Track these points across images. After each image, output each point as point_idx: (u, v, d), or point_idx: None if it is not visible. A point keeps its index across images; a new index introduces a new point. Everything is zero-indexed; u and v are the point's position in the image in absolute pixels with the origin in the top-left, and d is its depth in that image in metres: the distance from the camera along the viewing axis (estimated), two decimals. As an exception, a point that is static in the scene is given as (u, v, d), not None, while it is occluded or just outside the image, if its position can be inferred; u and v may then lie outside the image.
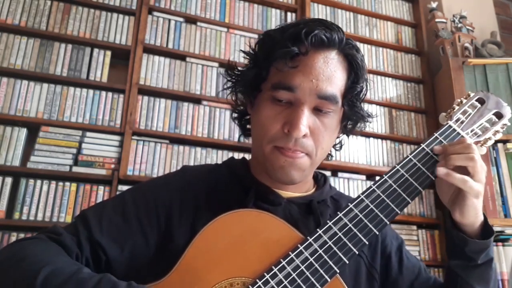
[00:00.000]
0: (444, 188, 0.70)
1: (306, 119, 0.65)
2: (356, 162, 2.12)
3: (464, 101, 0.77)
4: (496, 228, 1.93)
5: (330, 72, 0.67)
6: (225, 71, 0.78)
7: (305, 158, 0.68)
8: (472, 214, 0.66)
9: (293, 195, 0.75)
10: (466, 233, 0.68)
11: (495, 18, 2.63)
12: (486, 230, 0.69)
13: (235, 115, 0.81)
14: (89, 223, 0.67)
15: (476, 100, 0.76)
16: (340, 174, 2.10)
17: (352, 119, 0.75)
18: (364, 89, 0.73)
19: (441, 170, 0.65)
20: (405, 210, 2.13)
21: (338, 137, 0.79)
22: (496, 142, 2.05)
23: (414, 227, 2.10)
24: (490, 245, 0.68)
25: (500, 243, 1.90)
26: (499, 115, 0.75)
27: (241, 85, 0.75)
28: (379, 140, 2.21)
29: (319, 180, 0.83)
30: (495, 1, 2.68)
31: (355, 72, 0.70)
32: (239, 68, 0.77)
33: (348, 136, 0.81)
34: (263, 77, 0.70)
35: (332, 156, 0.82)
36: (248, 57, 0.75)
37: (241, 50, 0.80)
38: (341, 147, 0.84)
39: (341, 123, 0.74)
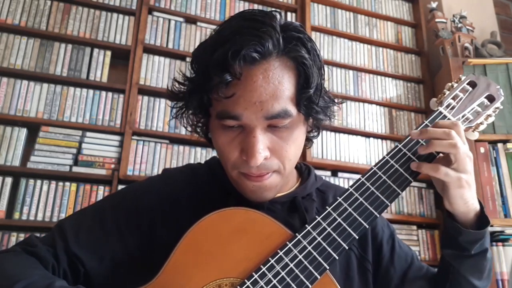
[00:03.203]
0: (434, 178, 0.68)
1: (261, 143, 0.60)
2: (356, 162, 2.12)
3: (455, 85, 0.73)
4: (496, 228, 1.93)
5: (274, 86, 0.59)
6: (169, 97, 0.71)
7: (274, 175, 0.65)
8: (460, 204, 0.64)
9: (274, 196, 0.71)
10: (460, 223, 0.66)
11: (495, 18, 2.63)
12: (481, 220, 0.67)
13: (198, 132, 0.75)
14: (65, 234, 0.66)
15: (468, 84, 0.73)
16: (340, 174, 2.09)
17: (315, 118, 0.68)
18: (319, 87, 0.64)
19: (412, 165, 0.64)
20: (405, 210, 2.13)
21: (309, 133, 0.73)
22: (496, 142, 2.05)
23: (414, 227, 2.10)
24: (485, 235, 0.66)
25: (500, 243, 1.90)
26: (491, 98, 0.72)
27: (189, 111, 0.69)
28: (379, 140, 2.21)
29: (303, 173, 0.78)
30: (495, 1, 2.68)
31: (305, 73, 0.61)
32: (182, 89, 0.69)
33: (320, 131, 0.74)
34: (207, 103, 0.63)
35: (312, 142, 0.77)
36: (184, 84, 0.68)
37: (174, 79, 0.70)
38: (318, 134, 0.76)
39: (305, 123, 0.67)
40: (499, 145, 2.05)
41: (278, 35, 0.60)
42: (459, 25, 2.34)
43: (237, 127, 0.62)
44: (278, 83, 0.60)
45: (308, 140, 0.75)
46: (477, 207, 0.66)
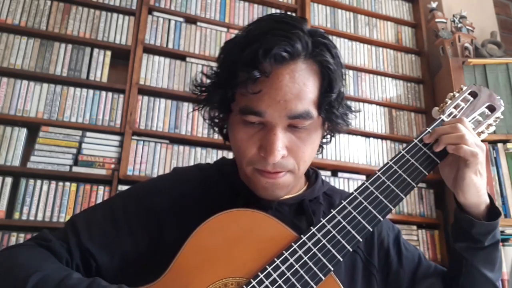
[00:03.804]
0: (446, 172, 0.71)
1: (280, 142, 0.62)
2: (356, 162, 2.12)
3: (457, 94, 0.76)
4: (496, 228, 1.93)
5: (299, 87, 0.61)
6: (192, 89, 0.72)
7: (287, 175, 0.66)
8: (474, 193, 0.66)
9: (283, 197, 0.72)
10: (473, 215, 0.68)
11: (495, 18, 2.63)
12: (492, 211, 0.68)
13: (215, 129, 0.77)
14: (78, 229, 0.67)
15: (469, 94, 0.76)
16: (340, 174, 2.10)
17: (333, 122, 0.70)
18: (341, 93, 0.67)
19: (435, 147, 0.67)
20: (405, 210, 2.13)
21: (323, 138, 0.75)
22: (496, 142, 2.05)
23: (414, 227, 2.10)
24: (497, 226, 0.68)
25: (500, 243, 1.89)
26: (491, 108, 0.75)
27: (210, 105, 0.71)
28: (379, 140, 2.21)
29: (311, 177, 0.80)
30: (495, 1, 2.68)
31: (329, 77, 0.64)
32: (207, 83, 0.71)
33: (334, 136, 0.77)
34: (230, 98, 0.65)
35: (323, 148, 0.79)
36: (210, 79, 0.70)
37: (202, 72, 0.73)
38: (330, 140, 0.79)
39: (322, 127, 0.70)
40: (499, 145, 2.05)
41: (307, 38, 0.62)
42: (459, 25, 2.34)
43: (257, 124, 0.64)
44: (303, 84, 0.62)
45: (320, 146, 0.76)
46: (487, 199, 0.69)
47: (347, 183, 2.08)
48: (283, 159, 0.64)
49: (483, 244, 0.68)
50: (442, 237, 2.11)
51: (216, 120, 0.74)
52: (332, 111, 0.66)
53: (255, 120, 0.63)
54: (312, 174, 0.81)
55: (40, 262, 0.59)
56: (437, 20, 2.38)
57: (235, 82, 0.62)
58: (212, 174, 0.77)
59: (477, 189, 0.66)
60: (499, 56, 2.26)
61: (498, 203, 1.98)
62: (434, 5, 2.45)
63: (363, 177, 2.13)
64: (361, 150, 2.16)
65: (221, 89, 0.65)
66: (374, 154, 2.18)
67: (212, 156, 1.91)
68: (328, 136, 0.76)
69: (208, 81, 0.70)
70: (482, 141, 0.72)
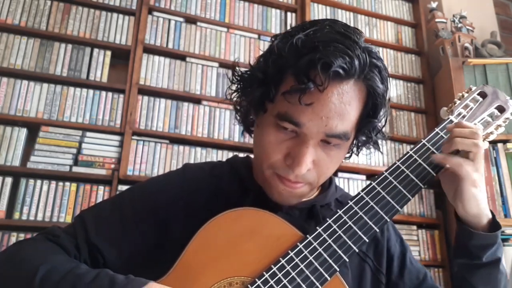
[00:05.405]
0: (447, 184, 0.69)
1: (310, 156, 0.61)
2: (356, 162, 2.12)
3: (466, 95, 0.75)
4: (496, 228, 1.92)
5: (344, 107, 0.60)
6: (232, 75, 0.70)
7: (306, 186, 0.66)
8: (473, 205, 0.64)
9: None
10: (472, 227, 0.66)
11: (495, 18, 2.63)
12: (493, 226, 0.67)
13: (238, 117, 0.75)
14: (86, 225, 0.67)
15: (478, 94, 0.74)
16: (340, 174, 2.09)
17: (365, 145, 0.71)
18: (383, 120, 0.67)
19: (436, 157, 0.65)
20: (405, 210, 2.13)
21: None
22: (496, 142, 2.05)
23: (414, 227, 2.10)
24: (496, 241, 0.66)
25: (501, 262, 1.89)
26: (501, 109, 0.73)
27: (247, 101, 0.70)
28: (379, 140, 2.21)
29: (324, 182, 0.79)
30: (495, 1, 2.68)
31: (374, 102, 0.63)
32: (245, 75, 0.69)
33: (357, 154, 0.75)
34: (270, 98, 0.63)
35: None
36: (255, 71, 0.66)
37: (250, 65, 0.69)
38: (350, 156, 0.77)
39: (351, 145, 0.69)
40: (499, 145, 2.05)
41: (365, 57, 0.60)
42: (459, 25, 2.34)
43: (291, 131, 0.62)
44: (349, 105, 0.61)
45: None
46: (489, 214, 0.67)
47: (347, 183, 2.08)
48: (306, 172, 0.63)
49: (481, 260, 0.66)
50: (442, 237, 2.11)
51: (243, 111, 0.72)
52: (370, 135, 0.66)
53: (290, 128, 0.62)
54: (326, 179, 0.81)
55: (48, 254, 0.60)
56: (437, 20, 2.38)
57: (282, 85, 0.61)
58: (224, 172, 0.76)
59: (477, 201, 0.64)
60: (499, 56, 2.26)
61: (498, 203, 1.98)
62: (434, 5, 2.45)
63: (363, 177, 2.13)
64: (361, 150, 2.15)
65: (264, 87, 0.63)
66: (374, 154, 2.17)
67: (212, 156, 1.91)
68: (350, 154, 0.74)
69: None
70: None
